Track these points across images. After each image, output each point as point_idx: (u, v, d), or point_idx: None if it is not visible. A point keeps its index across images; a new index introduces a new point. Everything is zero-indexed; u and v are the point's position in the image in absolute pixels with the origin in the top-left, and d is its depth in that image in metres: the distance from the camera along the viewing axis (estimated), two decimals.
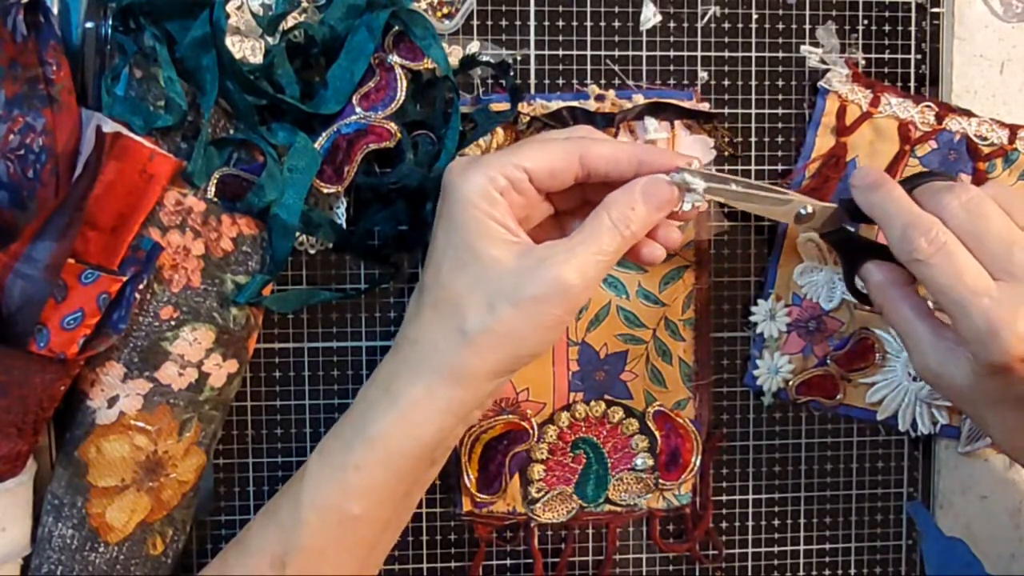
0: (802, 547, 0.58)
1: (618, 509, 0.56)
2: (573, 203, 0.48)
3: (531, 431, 0.54)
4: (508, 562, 0.57)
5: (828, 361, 0.56)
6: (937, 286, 0.44)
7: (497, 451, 0.54)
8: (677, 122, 0.54)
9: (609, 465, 0.56)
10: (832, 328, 0.56)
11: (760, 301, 0.56)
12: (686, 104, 0.54)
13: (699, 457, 0.55)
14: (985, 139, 0.55)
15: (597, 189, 0.46)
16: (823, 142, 0.55)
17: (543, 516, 0.56)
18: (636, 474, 0.56)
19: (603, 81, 0.54)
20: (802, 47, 0.55)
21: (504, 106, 0.52)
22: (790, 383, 0.56)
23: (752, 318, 0.56)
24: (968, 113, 0.56)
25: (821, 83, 0.55)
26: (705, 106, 0.54)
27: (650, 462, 0.56)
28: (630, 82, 0.55)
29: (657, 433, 0.56)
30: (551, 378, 0.55)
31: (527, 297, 0.43)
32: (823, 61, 0.55)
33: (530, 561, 0.57)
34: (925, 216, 0.45)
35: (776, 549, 0.58)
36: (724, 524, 0.58)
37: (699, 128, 0.55)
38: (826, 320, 0.56)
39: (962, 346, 0.45)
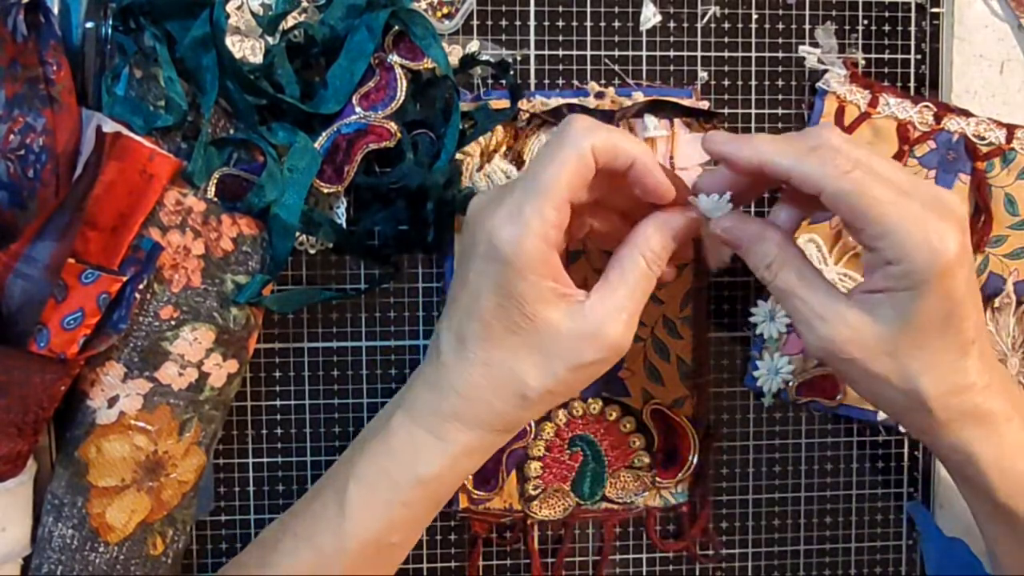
0: (802, 547, 0.58)
1: (615, 507, 0.56)
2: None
3: (528, 428, 0.54)
4: (508, 562, 0.57)
5: None
6: (871, 198, 0.41)
7: None
8: (676, 120, 0.54)
9: (606, 463, 0.56)
10: None
11: (760, 302, 0.56)
12: (685, 102, 0.54)
13: (696, 456, 0.55)
14: (983, 139, 0.55)
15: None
16: None
17: (540, 513, 0.55)
18: (633, 472, 0.56)
19: (603, 81, 0.54)
20: (800, 47, 0.55)
21: (504, 103, 0.52)
22: (790, 384, 0.56)
23: (752, 319, 0.56)
24: (966, 113, 0.56)
25: (819, 84, 0.55)
26: (704, 104, 0.54)
27: (647, 460, 0.56)
28: (630, 81, 0.55)
29: (654, 431, 0.56)
30: None
31: (588, 361, 0.44)
32: (821, 61, 0.55)
33: (527, 561, 0.57)
34: (815, 146, 0.43)
35: (776, 549, 0.58)
36: (724, 524, 0.58)
37: (698, 126, 0.55)
38: None
39: (878, 287, 0.42)
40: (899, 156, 0.55)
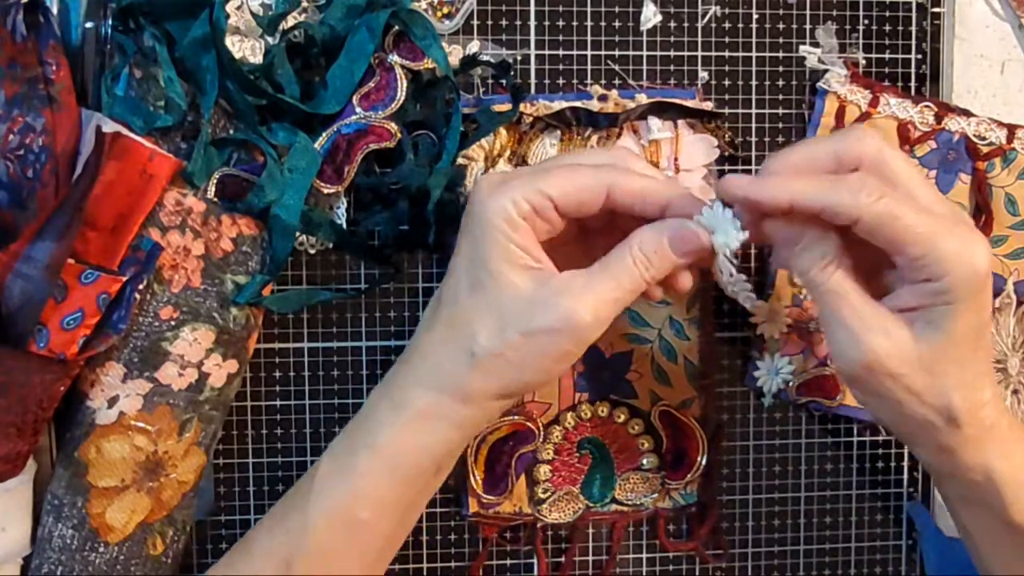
0: (802, 547, 0.58)
1: (624, 509, 0.56)
2: (601, 222, 0.47)
3: (537, 432, 0.54)
4: (508, 562, 0.57)
5: (828, 362, 0.56)
6: (909, 220, 0.41)
7: (503, 452, 0.54)
8: (680, 121, 0.54)
9: (615, 465, 0.56)
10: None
11: (760, 302, 0.56)
12: (689, 103, 0.54)
13: (705, 456, 0.55)
14: (984, 139, 0.55)
15: (626, 216, 0.45)
16: None
17: (550, 516, 0.55)
18: (642, 474, 0.56)
19: (603, 81, 0.54)
20: (801, 47, 0.55)
21: (506, 107, 0.52)
22: (790, 384, 0.56)
23: (753, 319, 0.56)
24: (967, 113, 0.56)
25: (820, 84, 0.55)
26: (708, 105, 0.54)
27: (656, 462, 0.56)
28: (631, 82, 0.54)
29: (663, 433, 0.56)
30: (557, 379, 0.55)
31: (537, 327, 0.43)
32: (822, 61, 0.55)
33: (531, 561, 0.57)
34: (840, 176, 0.42)
35: (776, 549, 0.58)
36: (724, 524, 0.58)
37: (702, 127, 0.55)
38: None
39: (917, 304, 0.42)
40: None
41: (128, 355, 0.47)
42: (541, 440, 0.55)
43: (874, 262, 0.44)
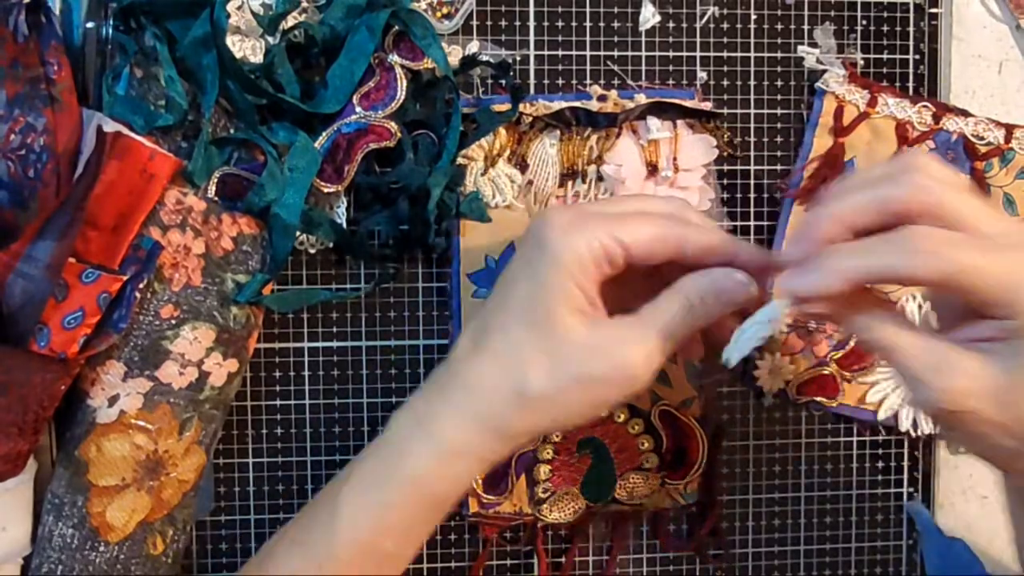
0: (802, 547, 0.58)
1: (624, 509, 0.56)
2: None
3: None
4: (508, 562, 0.57)
5: (828, 361, 0.56)
6: (965, 276, 0.39)
7: None
8: (679, 121, 0.54)
9: (615, 465, 0.56)
10: (831, 329, 0.56)
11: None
12: (688, 103, 0.54)
13: (705, 456, 0.55)
14: (982, 139, 0.55)
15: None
16: (821, 143, 0.56)
17: (550, 516, 0.55)
18: (642, 473, 0.56)
19: (603, 81, 0.54)
20: (799, 47, 0.56)
21: (506, 107, 0.52)
22: (790, 383, 0.56)
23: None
24: (965, 113, 0.56)
25: (818, 84, 0.55)
26: (707, 105, 0.55)
27: (656, 461, 0.56)
28: (630, 82, 0.55)
29: (663, 432, 0.55)
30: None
31: (592, 374, 0.42)
32: (820, 62, 0.55)
33: (531, 561, 0.57)
34: (886, 238, 0.41)
35: (776, 549, 0.58)
36: (724, 524, 0.58)
37: (701, 127, 0.55)
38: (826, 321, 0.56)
39: (986, 337, 0.41)
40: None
41: (129, 354, 0.47)
42: (541, 440, 0.55)
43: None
